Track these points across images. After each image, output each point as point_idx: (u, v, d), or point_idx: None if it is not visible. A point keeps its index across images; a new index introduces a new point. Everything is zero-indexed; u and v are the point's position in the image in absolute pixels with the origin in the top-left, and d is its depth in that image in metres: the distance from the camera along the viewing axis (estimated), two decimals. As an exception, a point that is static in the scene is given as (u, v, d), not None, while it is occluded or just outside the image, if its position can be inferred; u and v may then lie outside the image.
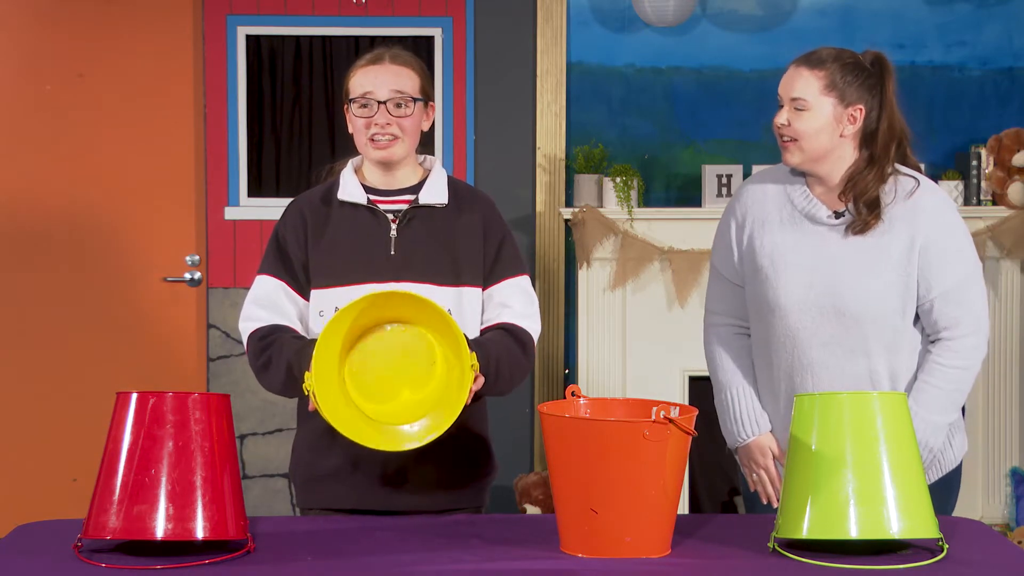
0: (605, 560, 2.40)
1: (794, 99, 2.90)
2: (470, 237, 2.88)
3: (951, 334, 2.91)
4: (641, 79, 5.38)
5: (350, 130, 2.90)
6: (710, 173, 5.23)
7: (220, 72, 5.33)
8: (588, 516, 2.40)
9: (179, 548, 2.39)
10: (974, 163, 5.25)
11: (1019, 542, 4.98)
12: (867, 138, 2.94)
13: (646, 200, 5.32)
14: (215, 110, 5.33)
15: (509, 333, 2.85)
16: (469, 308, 2.86)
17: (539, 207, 5.34)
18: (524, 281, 2.92)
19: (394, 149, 2.86)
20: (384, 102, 2.83)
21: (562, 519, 2.46)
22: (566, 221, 5.31)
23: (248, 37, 5.35)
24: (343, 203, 2.89)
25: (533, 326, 2.89)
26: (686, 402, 5.13)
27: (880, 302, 2.89)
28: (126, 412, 2.40)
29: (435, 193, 2.90)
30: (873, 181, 2.91)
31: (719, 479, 5.27)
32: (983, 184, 5.26)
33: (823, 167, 2.94)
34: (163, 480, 2.35)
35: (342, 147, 3.01)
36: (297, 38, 5.36)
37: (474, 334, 2.85)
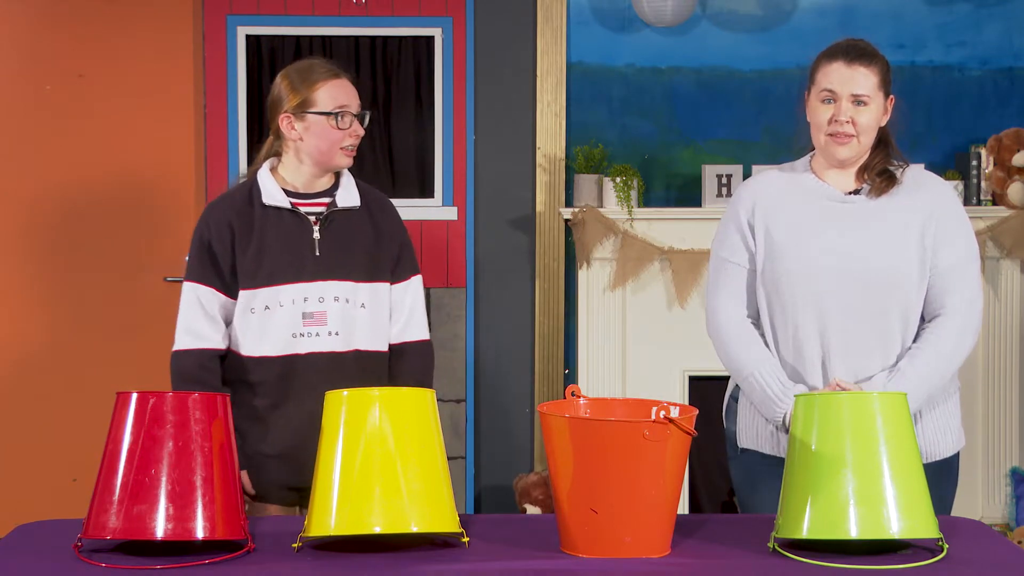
0: (605, 560, 2.40)
1: (857, 95, 2.94)
2: (381, 237, 3.14)
3: (945, 311, 2.96)
4: (641, 79, 5.37)
5: (298, 137, 3.07)
6: (710, 173, 5.23)
7: (220, 72, 5.32)
8: (588, 516, 2.40)
9: (179, 548, 2.39)
10: (974, 163, 5.25)
11: (1019, 542, 4.98)
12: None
13: (646, 200, 5.32)
14: (215, 110, 5.33)
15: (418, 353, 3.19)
16: (381, 301, 3.12)
17: (539, 207, 5.34)
18: (417, 281, 3.21)
19: (352, 158, 3.14)
20: (357, 116, 3.11)
21: (562, 519, 2.46)
22: (566, 221, 5.30)
23: (248, 37, 5.34)
24: (266, 207, 3.08)
25: (424, 326, 3.22)
26: (686, 402, 5.13)
27: (903, 269, 2.94)
28: (126, 412, 2.40)
29: (349, 196, 3.14)
30: (884, 158, 3.02)
31: (719, 479, 5.26)
32: (983, 184, 5.26)
33: (862, 158, 3.01)
34: (163, 480, 2.36)
35: (340, 147, 3.05)
36: (297, 38, 5.35)
37: (384, 326, 3.13)
